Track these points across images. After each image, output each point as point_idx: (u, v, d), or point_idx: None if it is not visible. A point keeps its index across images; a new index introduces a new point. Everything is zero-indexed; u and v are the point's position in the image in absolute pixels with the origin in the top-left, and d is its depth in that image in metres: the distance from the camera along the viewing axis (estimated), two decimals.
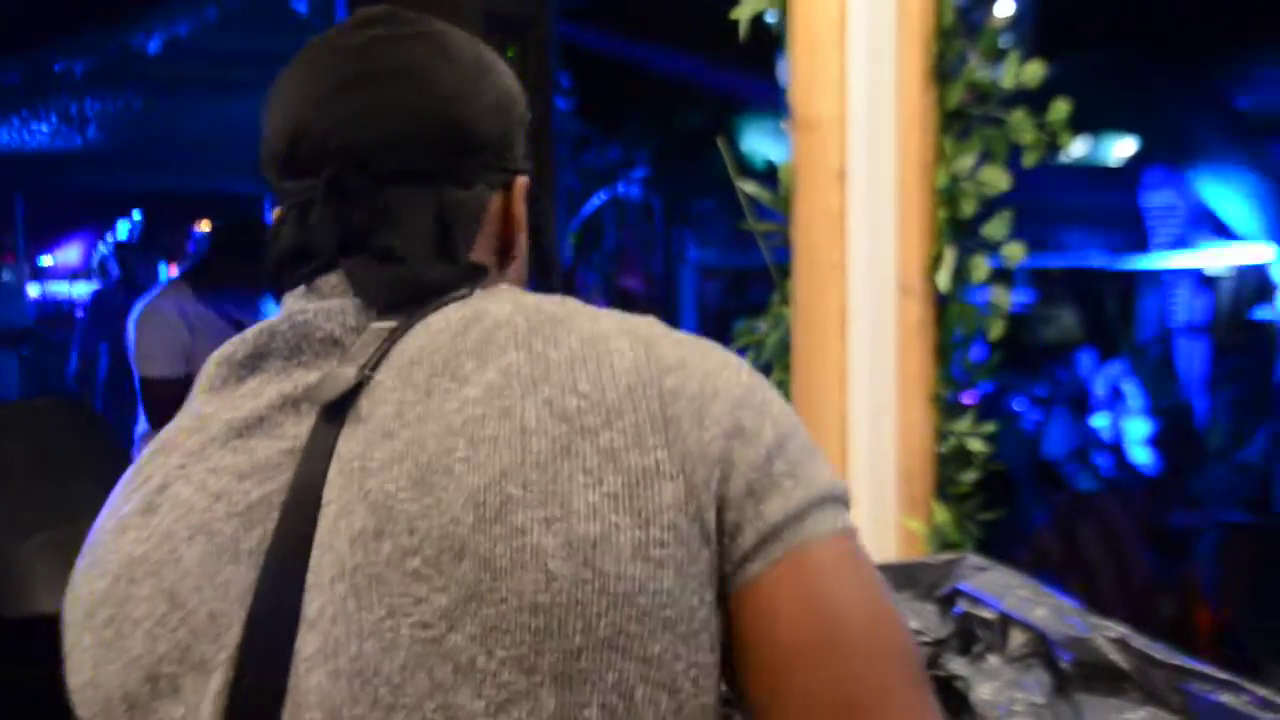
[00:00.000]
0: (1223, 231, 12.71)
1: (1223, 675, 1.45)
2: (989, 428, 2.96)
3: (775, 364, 3.03)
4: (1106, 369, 11.49)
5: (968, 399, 2.99)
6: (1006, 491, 6.31)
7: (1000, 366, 3.08)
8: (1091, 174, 12.18)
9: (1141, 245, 12.55)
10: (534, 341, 0.96)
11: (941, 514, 2.93)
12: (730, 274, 14.37)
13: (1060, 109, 2.86)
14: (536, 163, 1.21)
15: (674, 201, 13.23)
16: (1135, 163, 11.99)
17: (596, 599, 0.88)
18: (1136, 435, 10.58)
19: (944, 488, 2.98)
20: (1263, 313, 12.45)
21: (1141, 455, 10.36)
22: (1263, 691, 1.42)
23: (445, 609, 0.88)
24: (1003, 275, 3.01)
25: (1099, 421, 10.97)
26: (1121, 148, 11.81)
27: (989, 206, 2.98)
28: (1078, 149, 12.01)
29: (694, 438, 0.94)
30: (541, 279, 1.25)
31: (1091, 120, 12.33)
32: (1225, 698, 1.41)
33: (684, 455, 0.93)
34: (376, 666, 0.88)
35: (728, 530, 0.95)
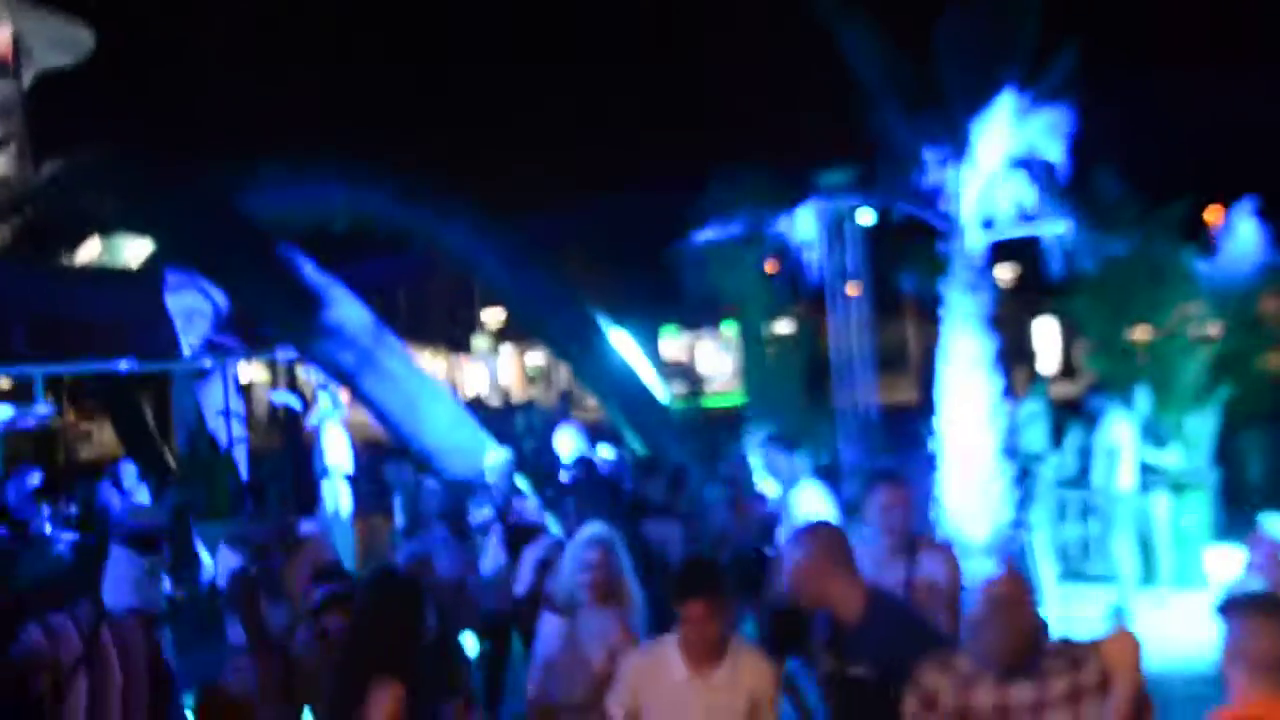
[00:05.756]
0: (254, 336, 12.94)
1: None
2: None
3: None
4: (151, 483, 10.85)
5: None
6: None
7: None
8: (111, 277, 11.57)
9: (173, 349, 12.19)
10: None
11: None
12: None
13: None
14: None
15: None
16: (155, 265, 11.65)
17: None
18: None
19: None
20: (280, 398, 12.83)
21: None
22: None
23: None
24: None
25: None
26: (136, 248, 11.39)
27: None
28: (89, 252, 11.35)
29: None
30: None
31: (97, 222, 11.82)
32: None
33: None
34: None
35: None
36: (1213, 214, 13.30)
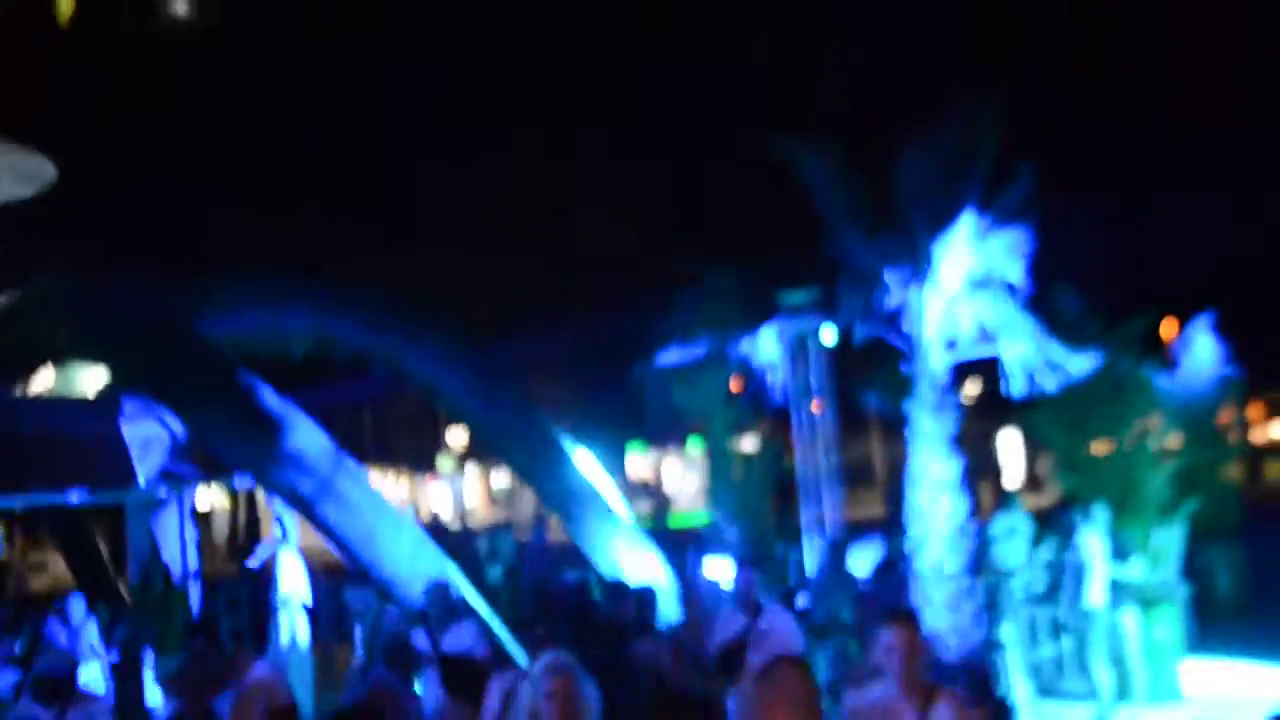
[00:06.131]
0: (211, 463, 12.67)
1: None
2: None
3: None
4: (95, 619, 10.49)
5: None
6: None
7: None
8: (67, 404, 11.39)
9: (128, 479, 11.93)
10: None
11: None
12: None
13: None
14: None
15: None
16: (110, 393, 11.47)
17: None
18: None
19: None
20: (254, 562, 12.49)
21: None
22: None
23: None
24: None
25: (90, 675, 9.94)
26: (91, 377, 11.20)
27: None
28: (43, 381, 11.19)
29: None
30: None
31: (51, 352, 11.66)
32: None
33: None
34: None
35: None
36: (1168, 328, 13.48)
